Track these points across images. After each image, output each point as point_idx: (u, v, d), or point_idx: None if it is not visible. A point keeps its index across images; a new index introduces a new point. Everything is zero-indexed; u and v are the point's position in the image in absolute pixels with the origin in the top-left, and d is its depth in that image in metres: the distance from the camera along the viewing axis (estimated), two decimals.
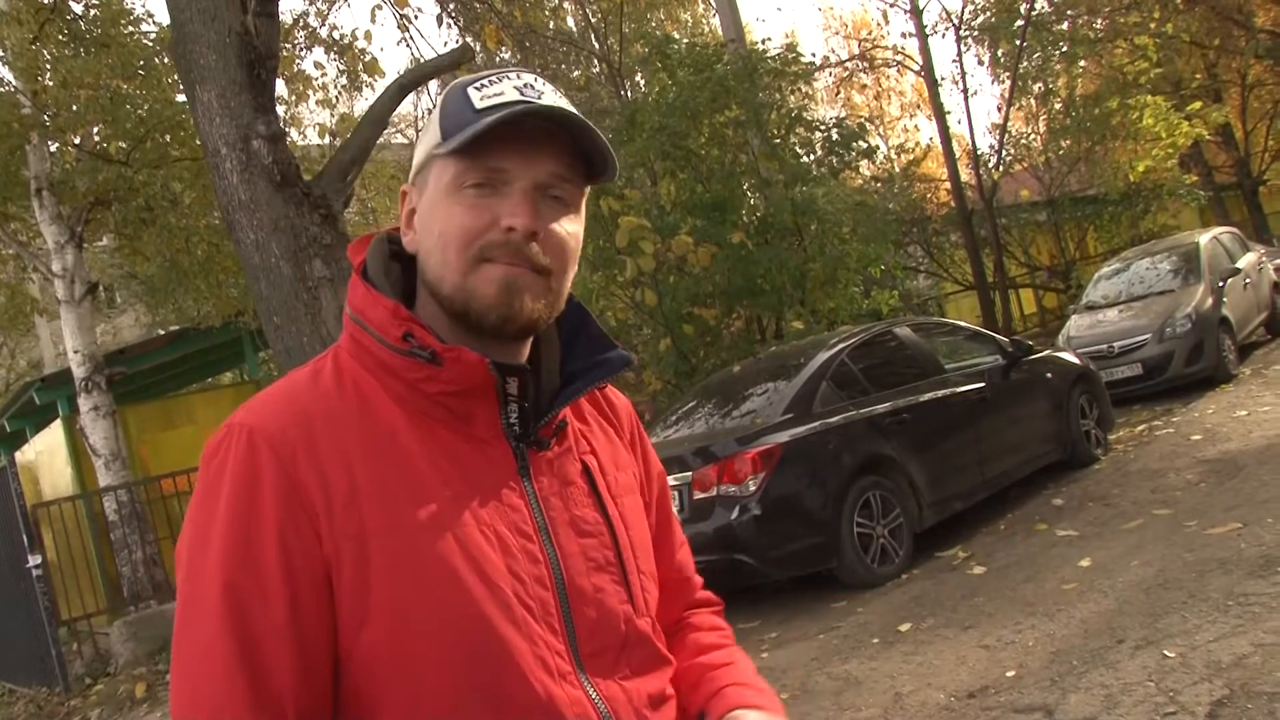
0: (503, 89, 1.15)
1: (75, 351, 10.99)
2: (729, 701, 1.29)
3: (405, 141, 19.62)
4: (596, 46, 15.84)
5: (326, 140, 11.36)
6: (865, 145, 11.59)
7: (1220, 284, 12.18)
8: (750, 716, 1.25)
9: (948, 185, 19.29)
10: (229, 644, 1.02)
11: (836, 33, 36.07)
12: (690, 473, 6.83)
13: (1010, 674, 4.68)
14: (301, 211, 5.74)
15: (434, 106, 1.22)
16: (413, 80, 7.42)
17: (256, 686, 1.02)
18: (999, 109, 19.45)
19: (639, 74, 15.82)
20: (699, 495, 6.76)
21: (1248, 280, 13.07)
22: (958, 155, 18.00)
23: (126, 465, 11.13)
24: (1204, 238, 13.24)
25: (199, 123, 5.81)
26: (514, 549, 1.13)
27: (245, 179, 5.66)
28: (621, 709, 1.17)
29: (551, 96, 1.16)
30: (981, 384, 8.23)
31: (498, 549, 1.12)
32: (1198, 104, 19.51)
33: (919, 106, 29.99)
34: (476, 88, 1.16)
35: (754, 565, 6.58)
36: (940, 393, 7.88)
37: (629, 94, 14.43)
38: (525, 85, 1.15)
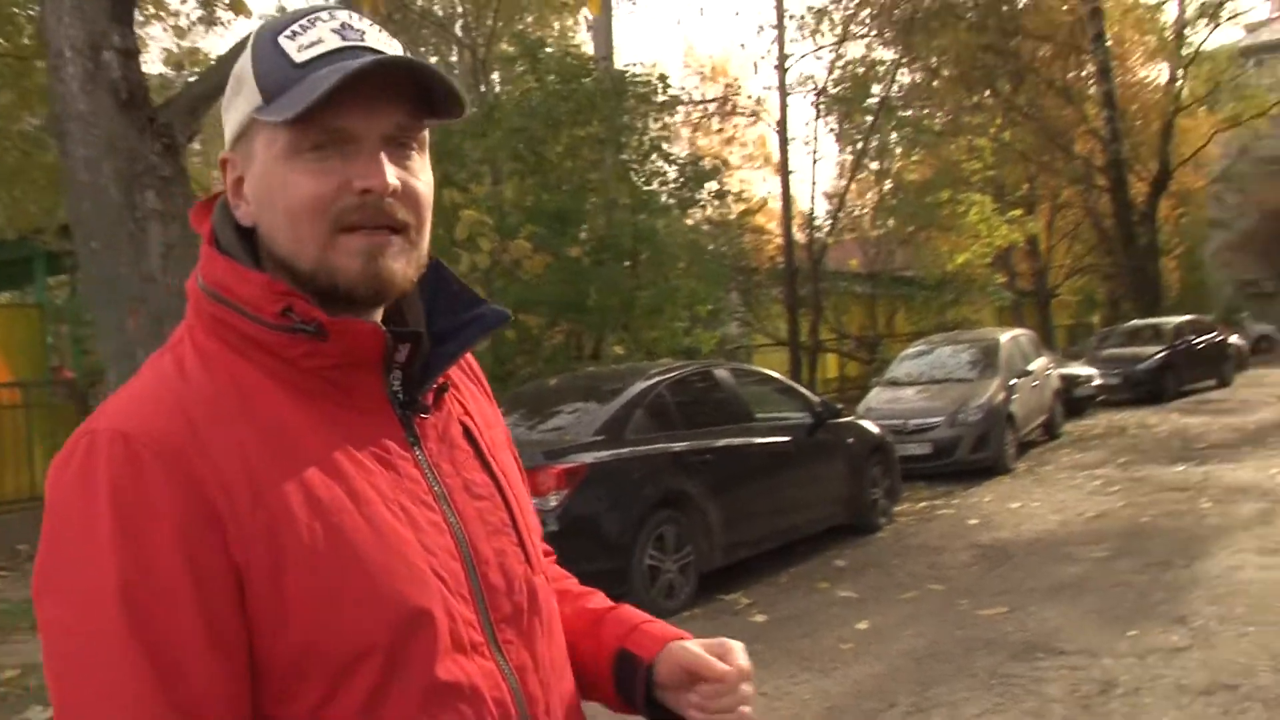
0: (320, 34, 1.03)
1: None
2: (656, 634, 1.27)
3: None
4: (461, 35, 15.58)
5: (171, 72, 10.71)
6: (718, 187, 11.75)
7: (1013, 382, 12.91)
8: (698, 644, 1.22)
9: (778, 240, 19.83)
10: (135, 653, 0.91)
11: (696, 73, 36.67)
12: None
13: None
14: (144, 137, 5.33)
15: (244, 56, 1.07)
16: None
17: (171, 692, 0.92)
18: (839, 177, 20.11)
19: (496, 71, 15.65)
20: None
21: (1036, 383, 13.90)
22: (794, 214, 18.50)
23: None
24: (1005, 336, 14.03)
25: (46, 17, 5.33)
26: (421, 522, 1.06)
27: (87, 90, 5.21)
28: (529, 677, 1.12)
29: (375, 37, 1.06)
30: (787, 438, 8.40)
31: (407, 524, 1.04)
32: (1019, 211, 20.80)
33: (761, 160, 30.74)
34: (289, 36, 1.04)
35: None
36: (747, 440, 8.00)
37: (486, 89, 14.21)
38: (343, 27, 1.04)
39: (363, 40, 1.04)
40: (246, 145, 1.07)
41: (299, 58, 1.02)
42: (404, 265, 1.06)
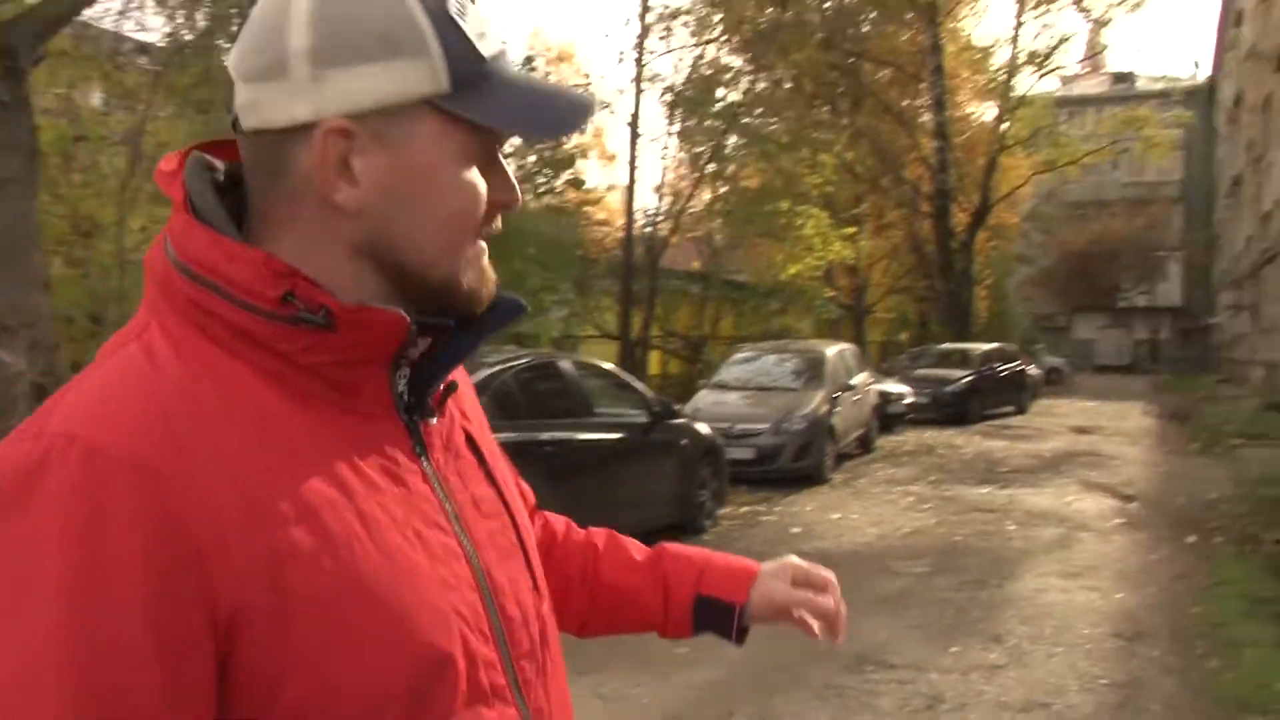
0: (478, 18, 0.91)
1: None
2: (730, 572, 1.33)
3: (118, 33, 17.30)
4: None
5: None
6: (574, 176, 11.62)
7: (836, 395, 13.26)
8: (786, 578, 1.32)
9: (616, 234, 19.84)
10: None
11: (541, 56, 36.34)
12: None
13: None
14: None
15: (399, 6, 0.88)
16: None
17: None
18: (681, 177, 20.26)
19: None
20: None
21: (857, 397, 14.34)
22: (636, 210, 18.56)
23: None
24: (831, 350, 14.41)
25: None
26: (436, 548, 0.92)
27: None
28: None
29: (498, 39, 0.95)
30: (624, 435, 8.36)
31: (422, 552, 0.90)
32: (853, 229, 21.47)
33: (598, 151, 30.73)
34: (458, 9, 0.89)
35: None
36: (587, 435, 7.92)
37: None
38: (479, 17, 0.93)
39: (502, 42, 0.95)
40: (394, 126, 0.89)
41: (482, 48, 0.90)
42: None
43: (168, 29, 21.56)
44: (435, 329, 0.96)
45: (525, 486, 1.28)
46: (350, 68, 0.87)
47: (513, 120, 0.92)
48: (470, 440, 1.05)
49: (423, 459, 0.96)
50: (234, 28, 20.55)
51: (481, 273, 0.96)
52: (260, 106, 0.89)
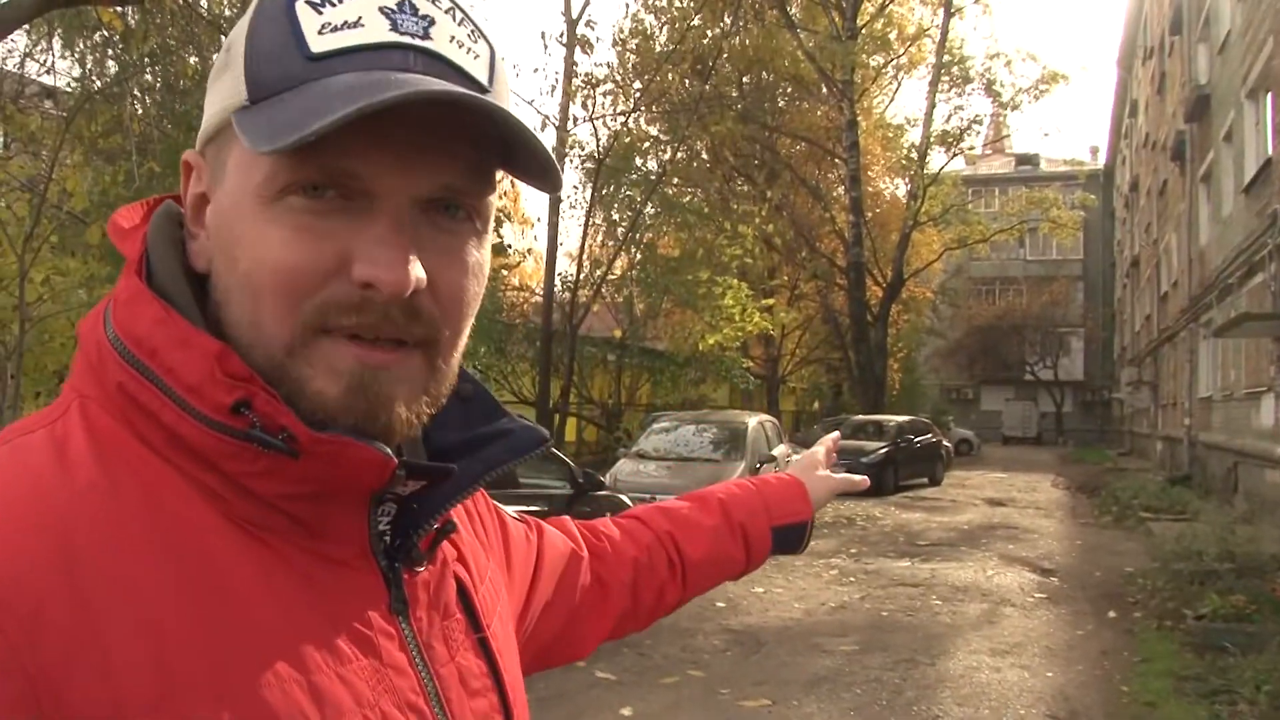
0: (361, 9, 0.67)
1: None
2: (789, 496, 1.40)
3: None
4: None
5: None
6: (499, 239, 11.44)
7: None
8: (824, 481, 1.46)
9: (534, 299, 19.70)
10: None
11: None
12: None
13: None
14: None
15: (248, 11, 0.71)
16: None
17: None
18: (599, 244, 20.26)
19: None
20: None
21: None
22: (555, 276, 18.46)
23: None
24: (752, 421, 14.36)
25: None
26: None
27: None
28: None
29: (447, 30, 0.70)
30: (547, 507, 8.13)
31: None
32: (772, 300, 21.63)
33: (515, 215, 30.67)
34: (316, 3, 0.68)
35: None
36: (507, 507, 7.65)
37: None
38: (400, 5, 0.68)
39: (426, 35, 0.68)
40: (218, 152, 0.71)
41: (315, 45, 0.67)
42: (413, 405, 0.71)
43: (75, 73, 21.04)
44: (438, 471, 0.77)
45: (565, 531, 1.28)
46: (210, 92, 0.72)
47: (274, 124, 0.64)
48: (462, 591, 0.84)
49: (401, 619, 0.76)
50: (146, 76, 20.23)
51: (358, 392, 0.69)
52: None
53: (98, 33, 22.13)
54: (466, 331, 0.76)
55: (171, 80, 19.50)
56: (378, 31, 0.67)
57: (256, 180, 0.67)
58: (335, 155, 0.65)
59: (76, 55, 22.99)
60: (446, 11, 0.70)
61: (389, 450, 0.70)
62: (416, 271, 0.67)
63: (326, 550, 0.72)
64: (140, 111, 18.65)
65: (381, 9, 0.68)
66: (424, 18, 0.69)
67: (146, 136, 16.70)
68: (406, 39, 0.68)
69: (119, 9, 12.90)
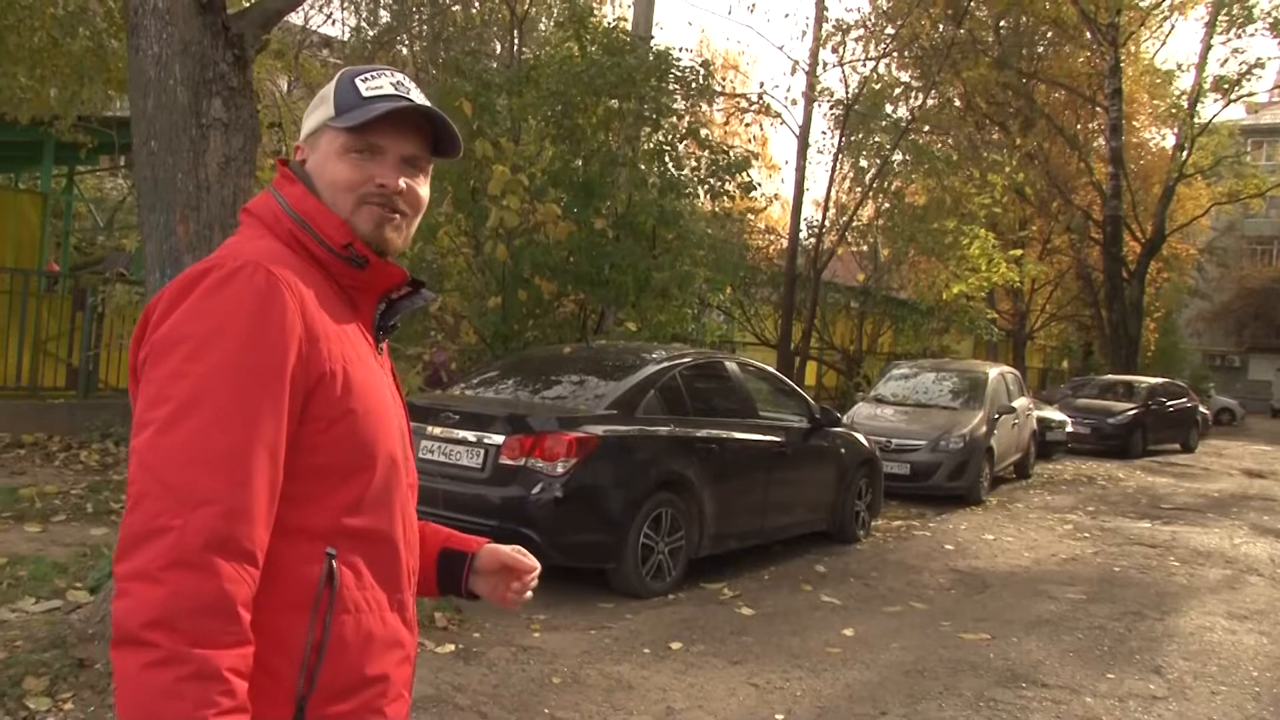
0: (382, 83, 1.59)
1: None
2: (469, 539, 1.87)
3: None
4: None
5: None
6: (748, 179, 11.78)
7: (995, 417, 13.07)
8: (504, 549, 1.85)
9: (780, 243, 19.91)
10: (260, 450, 1.37)
11: (696, 60, 36.52)
12: (501, 437, 6.71)
13: (779, 717, 4.80)
14: (216, 43, 5.28)
15: (329, 86, 1.64)
16: None
17: (271, 486, 1.38)
18: (846, 190, 20.18)
19: (542, 26, 15.51)
20: (505, 461, 6.65)
21: (1016, 421, 14.09)
22: (801, 221, 18.59)
23: None
24: (993, 371, 14.18)
25: None
26: (389, 403, 1.60)
27: None
28: (411, 537, 1.65)
29: (417, 95, 1.60)
30: (784, 438, 8.47)
31: (391, 404, 1.61)
32: (1021, 252, 21.05)
33: (762, 162, 30.78)
34: (363, 79, 1.60)
35: (539, 545, 6.47)
36: (749, 435, 8.06)
37: (519, 44, 14.13)
38: (398, 83, 1.61)
39: (409, 94, 1.59)
40: (315, 140, 1.61)
41: (366, 93, 1.58)
42: (396, 235, 1.61)
43: (351, 23, 22.63)
44: (415, 283, 1.68)
45: None
46: (308, 119, 1.65)
47: (352, 119, 1.55)
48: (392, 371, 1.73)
49: (379, 358, 1.64)
50: (415, 25, 21.56)
51: (379, 227, 1.58)
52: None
53: None
54: (419, 217, 1.66)
55: (438, 29, 20.74)
56: (390, 89, 1.60)
57: (335, 147, 1.58)
58: (370, 135, 1.56)
59: (353, 5, 24.69)
60: (414, 88, 1.62)
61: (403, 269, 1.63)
62: (401, 182, 1.59)
63: (359, 317, 1.61)
64: (410, 57, 19.95)
65: (391, 83, 1.60)
66: (406, 88, 1.61)
67: (416, 80, 17.85)
68: (400, 93, 1.60)
69: None
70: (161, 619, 1.24)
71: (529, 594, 1.83)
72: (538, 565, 1.83)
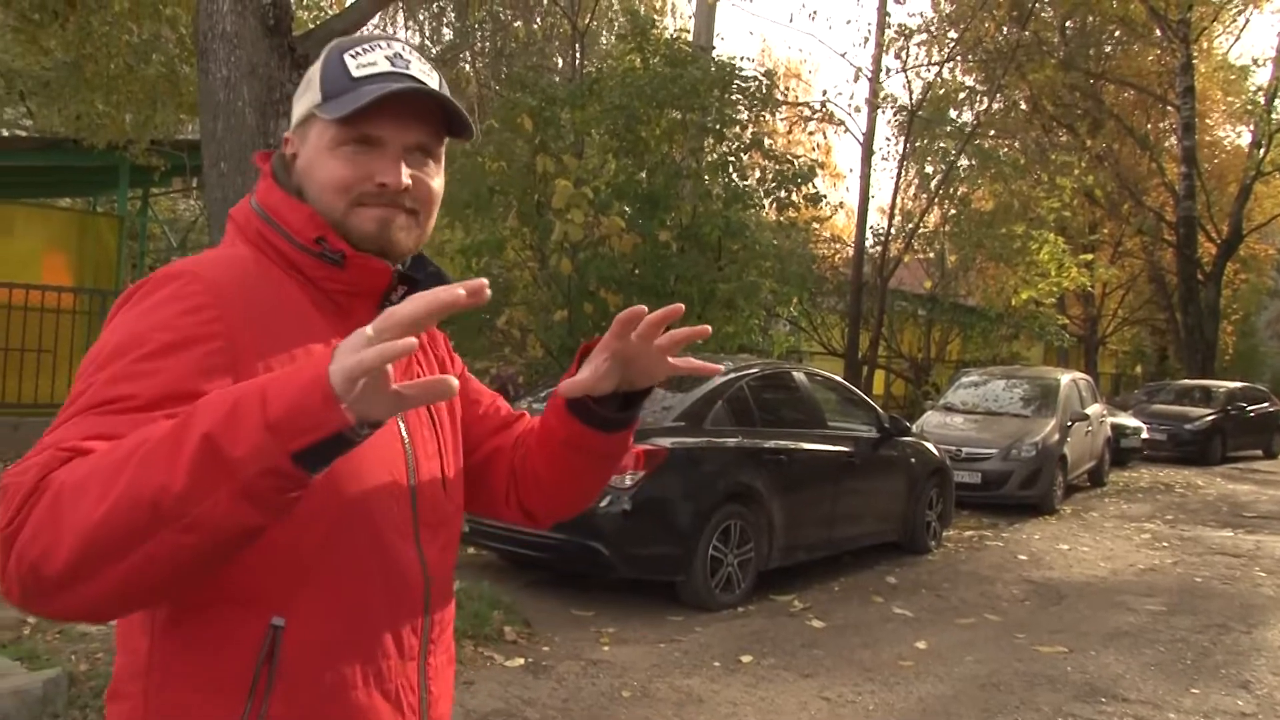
0: (375, 59, 1.33)
1: None
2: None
3: None
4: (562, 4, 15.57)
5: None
6: (814, 190, 11.72)
7: (1068, 424, 12.84)
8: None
9: (845, 252, 19.77)
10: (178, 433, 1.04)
11: (759, 70, 36.46)
12: None
13: None
14: (283, 65, 5.41)
15: (315, 64, 1.39)
16: None
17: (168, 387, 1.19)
18: (911, 197, 20.00)
19: (603, 40, 15.59)
20: None
21: (1089, 428, 13.83)
22: (867, 229, 18.45)
23: None
24: (1065, 378, 13.94)
25: None
26: (418, 429, 1.39)
27: (237, 10, 5.29)
28: (435, 571, 1.38)
29: (418, 67, 1.34)
30: (853, 449, 8.40)
31: (390, 428, 1.34)
32: (1090, 255, 20.67)
33: (826, 171, 30.62)
34: (352, 55, 1.33)
35: (607, 557, 6.52)
36: (818, 446, 8.01)
37: (581, 57, 14.22)
38: (395, 55, 1.34)
39: (408, 69, 1.33)
40: (303, 131, 1.37)
41: (356, 73, 1.31)
42: (406, 236, 1.35)
43: (415, 42, 22.98)
44: (410, 279, 1.38)
45: (502, 405, 1.68)
46: (296, 105, 1.41)
47: (340, 107, 1.29)
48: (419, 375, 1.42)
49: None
50: (477, 42, 21.86)
51: (384, 228, 1.33)
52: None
53: (434, 3, 23.90)
54: (435, 210, 1.40)
55: (500, 45, 20.97)
56: (385, 66, 1.32)
57: (324, 140, 1.33)
58: (365, 125, 1.30)
59: (417, 24, 25.06)
60: (415, 59, 1.35)
61: (391, 264, 1.34)
62: (405, 178, 1.32)
63: (348, 326, 1.21)
64: (473, 73, 20.20)
65: (386, 57, 1.33)
66: (405, 60, 1.34)
67: (480, 96, 18.05)
68: (398, 69, 1.32)
69: None
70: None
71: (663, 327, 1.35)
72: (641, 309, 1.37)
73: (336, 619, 1.25)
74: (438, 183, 1.39)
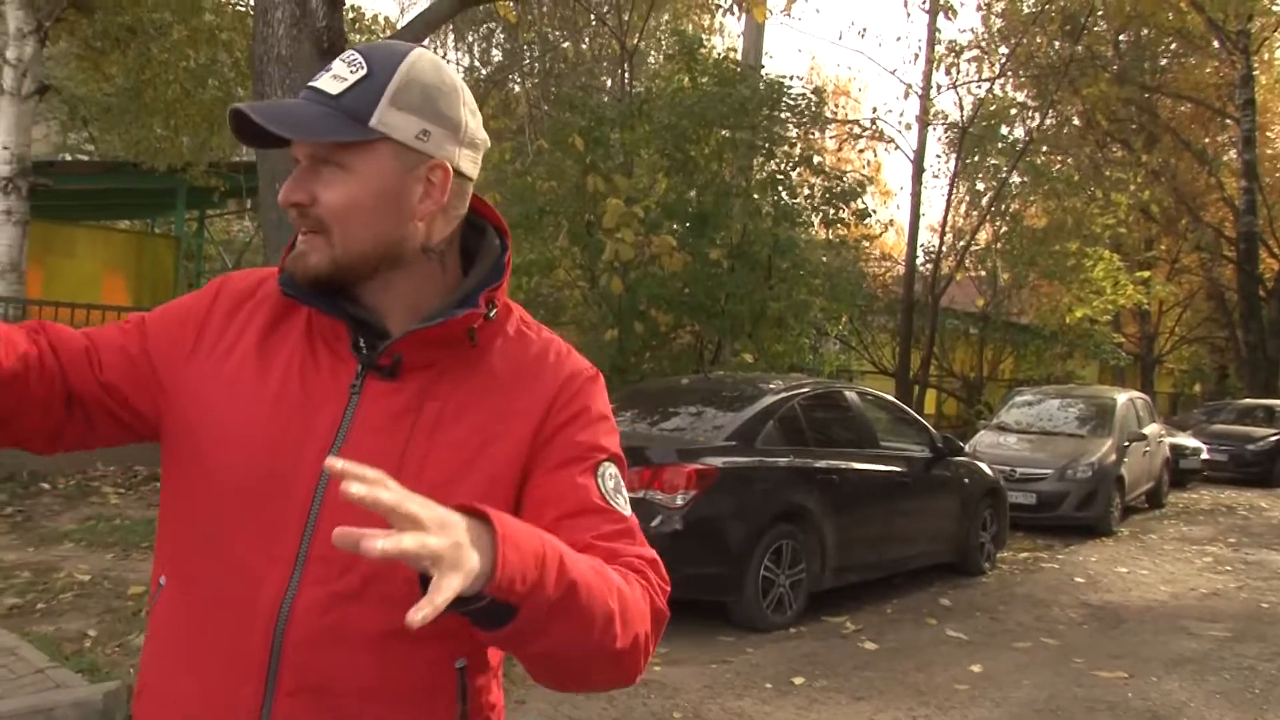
0: (328, 68, 1.24)
1: (4, 148, 10.30)
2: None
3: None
4: (611, 20, 15.63)
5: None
6: (863, 207, 11.68)
7: (1125, 444, 12.62)
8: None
9: (895, 270, 19.65)
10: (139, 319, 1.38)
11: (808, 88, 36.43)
12: None
13: None
14: None
15: None
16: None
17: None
18: (963, 214, 19.87)
19: (651, 60, 15.64)
20: None
21: (1147, 448, 13.58)
22: (918, 247, 18.33)
23: (22, 280, 10.48)
24: (1122, 397, 13.72)
25: None
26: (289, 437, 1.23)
27: (292, 34, 5.36)
28: (251, 615, 1.20)
29: (334, 73, 1.21)
30: (906, 468, 8.31)
31: (295, 456, 1.21)
32: (1147, 273, 20.37)
33: (876, 188, 30.47)
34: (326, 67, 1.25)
35: None
36: (870, 466, 7.94)
37: (630, 77, 14.27)
38: (333, 64, 1.23)
39: (319, 79, 1.22)
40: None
41: (314, 81, 1.23)
42: (320, 259, 1.22)
43: (465, 64, 23.20)
44: (361, 326, 1.29)
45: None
46: None
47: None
48: (419, 411, 1.25)
49: (354, 395, 1.25)
50: (526, 63, 22.04)
51: (294, 259, 1.25)
52: None
53: (484, 25, 24.14)
54: (355, 221, 1.22)
55: (549, 66, 21.13)
56: (313, 79, 1.24)
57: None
58: (288, 147, 1.24)
59: (466, 46, 25.33)
60: (347, 63, 1.22)
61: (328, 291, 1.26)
62: (290, 196, 1.22)
63: (335, 348, 1.27)
64: (523, 94, 20.35)
65: (325, 67, 1.24)
66: (329, 70, 1.23)
67: (530, 116, 18.18)
68: (313, 82, 1.22)
69: (513, 1, 14.20)
70: None
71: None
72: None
73: (187, 610, 1.26)
74: (337, 193, 1.21)
